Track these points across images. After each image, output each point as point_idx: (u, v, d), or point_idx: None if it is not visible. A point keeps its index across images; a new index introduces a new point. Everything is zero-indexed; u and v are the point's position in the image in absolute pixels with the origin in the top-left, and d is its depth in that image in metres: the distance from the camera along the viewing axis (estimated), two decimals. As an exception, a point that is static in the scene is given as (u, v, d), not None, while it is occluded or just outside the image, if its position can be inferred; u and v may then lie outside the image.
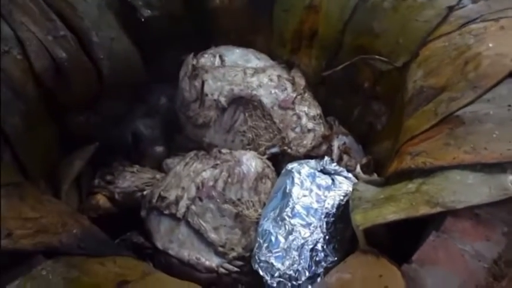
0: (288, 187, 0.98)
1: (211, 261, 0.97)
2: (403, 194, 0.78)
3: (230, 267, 0.97)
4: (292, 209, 0.95)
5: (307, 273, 0.88)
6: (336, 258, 0.89)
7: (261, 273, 0.90)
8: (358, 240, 0.76)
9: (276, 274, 0.88)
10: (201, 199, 1.00)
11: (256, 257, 0.92)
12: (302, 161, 1.07)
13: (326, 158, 1.07)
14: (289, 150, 1.13)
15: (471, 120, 0.83)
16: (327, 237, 0.92)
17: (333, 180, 1.02)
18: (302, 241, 0.91)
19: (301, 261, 0.89)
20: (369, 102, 1.22)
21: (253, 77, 1.16)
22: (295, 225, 0.93)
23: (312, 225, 0.93)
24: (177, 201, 1.01)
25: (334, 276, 0.72)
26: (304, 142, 1.14)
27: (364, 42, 1.14)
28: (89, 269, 0.72)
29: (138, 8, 1.19)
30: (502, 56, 0.87)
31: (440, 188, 0.75)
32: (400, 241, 0.76)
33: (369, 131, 1.23)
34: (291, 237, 0.91)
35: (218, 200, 1.00)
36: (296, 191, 0.97)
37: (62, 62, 1.02)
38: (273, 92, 1.16)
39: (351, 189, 0.94)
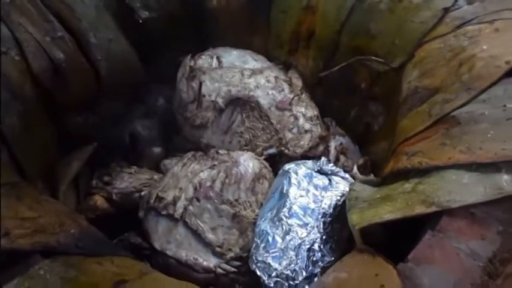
0: (285, 187, 0.99)
1: (208, 261, 0.98)
2: (399, 194, 0.79)
3: (228, 267, 0.97)
4: (289, 209, 0.95)
5: (304, 273, 0.88)
6: (332, 258, 0.90)
7: (258, 273, 0.90)
8: (355, 239, 0.76)
9: (273, 274, 0.89)
10: (198, 200, 1.01)
11: (254, 257, 0.92)
12: (299, 162, 1.07)
13: (323, 158, 1.08)
14: (286, 151, 1.13)
15: (467, 120, 0.83)
16: (324, 237, 0.92)
17: (329, 180, 1.02)
18: (299, 241, 0.91)
19: (298, 261, 0.89)
20: (365, 103, 1.23)
21: (250, 78, 1.17)
22: (292, 225, 0.93)
23: (309, 225, 0.93)
24: (174, 201, 1.01)
25: (331, 275, 0.72)
26: (301, 143, 1.14)
27: (360, 43, 1.15)
28: (86, 268, 0.72)
29: (136, 9, 1.19)
30: (495, 58, 0.87)
31: (436, 187, 0.75)
32: (396, 241, 0.76)
33: (366, 132, 1.24)
34: (288, 238, 0.92)
35: (216, 201, 1.00)
36: (293, 192, 0.98)
37: (60, 63, 1.02)
38: (270, 93, 1.16)
39: (347, 189, 0.94)
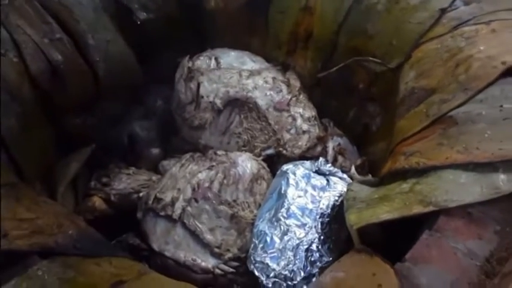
0: (283, 188, 0.99)
1: (207, 262, 0.98)
2: (397, 194, 0.79)
3: (226, 268, 0.98)
4: (288, 209, 0.95)
5: (302, 274, 0.88)
6: (330, 259, 0.90)
7: (257, 273, 0.90)
8: (353, 239, 0.76)
9: (272, 274, 0.89)
10: (196, 200, 1.01)
11: (252, 258, 0.92)
12: (297, 162, 1.07)
13: (321, 159, 1.08)
14: (284, 152, 1.13)
15: (464, 120, 0.84)
16: (321, 237, 0.92)
17: (327, 181, 1.02)
18: (297, 241, 0.91)
19: (297, 262, 0.89)
20: (363, 103, 1.23)
21: (248, 79, 1.17)
22: (290, 225, 0.93)
23: (307, 225, 0.93)
24: (173, 202, 1.01)
25: (329, 275, 0.72)
26: (299, 143, 1.15)
27: (358, 44, 1.16)
28: (84, 269, 0.72)
29: (134, 10, 1.19)
30: (492, 58, 0.88)
31: (433, 187, 0.76)
32: (394, 241, 0.76)
33: (364, 132, 1.24)
34: (286, 238, 0.92)
35: (214, 201, 1.00)
36: (291, 192, 0.98)
37: (58, 65, 1.02)
38: (268, 93, 1.16)
39: (345, 189, 0.94)
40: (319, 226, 0.93)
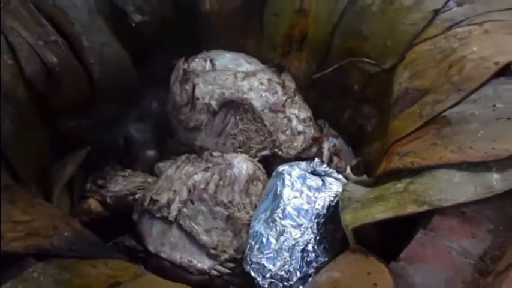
0: (278, 189, 0.99)
1: (203, 263, 0.98)
2: (392, 194, 0.79)
3: (222, 269, 0.98)
4: (283, 210, 0.95)
5: (298, 274, 0.89)
6: (326, 259, 0.90)
7: (253, 274, 0.90)
8: (348, 239, 0.77)
9: (268, 275, 0.89)
10: (192, 202, 1.01)
11: (248, 259, 0.92)
12: (293, 163, 1.07)
13: (316, 159, 1.08)
14: (279, 153, 1.14)
15: (457, 120, 0.84)
16: (317, 237, 0.92)
17: (323, 181, 1.03)
18: (293, 242, 0.91)
19: (293, 262, 0.90)
20: (358, 104, 1.24)
21: (243, 80, 1.17)
22: (286, 226, 0.93)
23: (303, 226, 0.94)
24: (168, 204, 1.01)
25: (324, 275, 0.72)
26: (295, 144, 1.15)
27: (352, 45, 1.16)
28: (80, 271, 0.72)
29: (129, 13, 1.19)
30: (485, 59, 0.88)
31: (427, 187, 0.76)
32: (389, 240, 0.77)
33: (359, 133, 1.25)
34: (282, 238, 0.92)
35: (210, 203, 1.00)
36: (287, 193, 0.98)
37: (53, 67, 1.02)
38: (263, 95, 1.17)
39: (340, 190, 0.94)
40: (315, 226, 0.94)
